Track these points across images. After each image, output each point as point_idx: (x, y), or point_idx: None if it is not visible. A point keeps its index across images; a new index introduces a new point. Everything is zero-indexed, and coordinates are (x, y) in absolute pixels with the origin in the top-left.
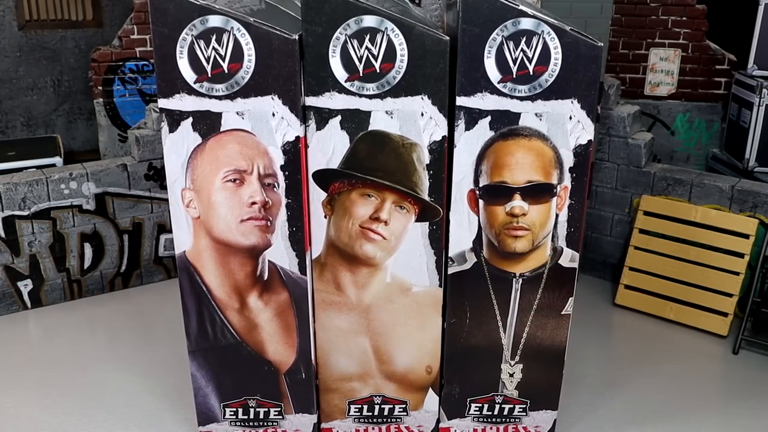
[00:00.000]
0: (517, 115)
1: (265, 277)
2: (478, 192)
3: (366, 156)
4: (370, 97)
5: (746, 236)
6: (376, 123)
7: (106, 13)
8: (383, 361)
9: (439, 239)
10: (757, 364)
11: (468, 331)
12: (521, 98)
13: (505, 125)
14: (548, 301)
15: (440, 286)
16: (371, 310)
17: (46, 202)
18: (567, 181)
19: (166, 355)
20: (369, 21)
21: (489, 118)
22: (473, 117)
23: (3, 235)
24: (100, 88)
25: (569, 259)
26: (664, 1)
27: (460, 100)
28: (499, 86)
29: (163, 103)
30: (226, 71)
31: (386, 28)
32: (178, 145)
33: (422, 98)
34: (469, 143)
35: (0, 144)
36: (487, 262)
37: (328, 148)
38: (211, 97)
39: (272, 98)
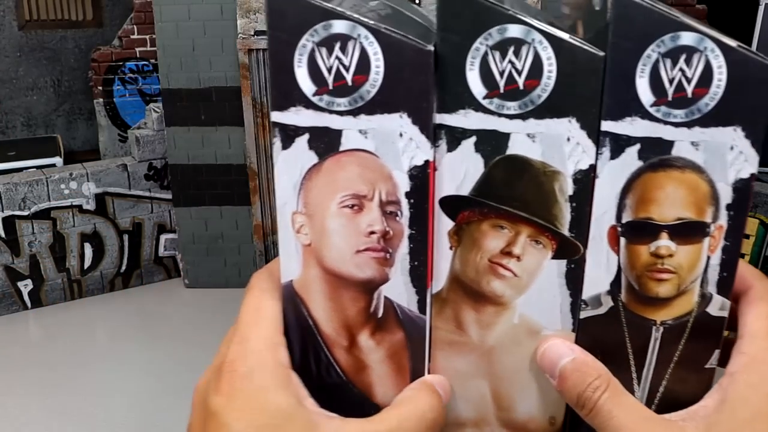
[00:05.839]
0: (671, 144)
1: (380, 315)
2: (619, 229)
3: (502, 183)
4: (510, 117)
5: (746, 236)
6: (515, 146)
7: (106, 13)
8: (503, 408)
9: (576, 279)
10: None
11: None
12: (676, 124)
13: (656, 154)
14: (691, 353)
15: (573, 330)
16: (494, 352)
17: (46, 202)
18: (723, 219)
19: (166, 355)
20: (514, 31)
21: (638, 146)
22: (620, 144)
23: (3, 235)
24: (100, 88)
25: (719, 307)
26: (664, 1)
27: (606, 125)
28: (652, 110)
29: (276, 116)
30: (350, 84)
31: (533, 39)
32: (290, 164)
33: (569, 121)
34: (612, 174)
35: (0, 144)
36: (624, 306)
37: (459, 172)
38: (331, 112)
39: (401, 116)
